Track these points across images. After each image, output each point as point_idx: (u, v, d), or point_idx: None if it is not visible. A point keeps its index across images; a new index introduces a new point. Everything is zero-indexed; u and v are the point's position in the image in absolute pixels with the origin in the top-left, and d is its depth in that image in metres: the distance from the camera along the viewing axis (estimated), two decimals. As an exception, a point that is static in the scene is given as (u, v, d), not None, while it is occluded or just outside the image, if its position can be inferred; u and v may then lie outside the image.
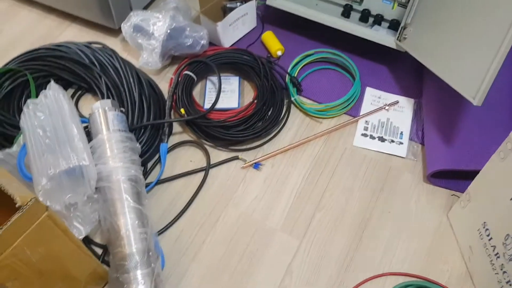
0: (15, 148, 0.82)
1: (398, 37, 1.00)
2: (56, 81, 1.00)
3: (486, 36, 0.77)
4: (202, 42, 1.01)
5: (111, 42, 1.11)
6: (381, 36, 1.03)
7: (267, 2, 1.09)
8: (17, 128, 0.89)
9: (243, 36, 1.13)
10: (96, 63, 0.97)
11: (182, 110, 0.93)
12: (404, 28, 0.99)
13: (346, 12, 1.14)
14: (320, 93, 1.02)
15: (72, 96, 1.02)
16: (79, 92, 1.02)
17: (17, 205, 0.46)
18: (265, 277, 0.77)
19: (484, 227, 0.72)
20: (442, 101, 0.92)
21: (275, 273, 0.78)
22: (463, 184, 0.87)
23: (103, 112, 0.82)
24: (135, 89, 0.94)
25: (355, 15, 1.15)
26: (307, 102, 1.00)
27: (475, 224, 0.74)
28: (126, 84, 0.95)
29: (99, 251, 0.79)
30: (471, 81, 0.79)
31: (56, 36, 1.15)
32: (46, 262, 0.54)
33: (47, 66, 0.99)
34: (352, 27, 1.04)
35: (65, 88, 1.02)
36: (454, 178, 0.88)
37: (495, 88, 0.88)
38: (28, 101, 0.80)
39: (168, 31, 0.98)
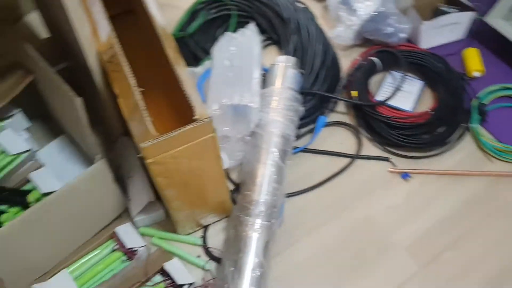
0: (199, 69, 0.90)
1: None
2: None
3: None
4: (401, 35, 0.97)
5: (315, 5, 1.12)
6: None
7: (487, 19, 0.99)
8: (207, 52, 0.96)
9: (445, 43, 1.05)
10: (293, 20, 0.99)
11: (355, 93, 0.91)
12: None
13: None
14: (506, 131, 0.91)
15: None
16: (268, 42, 1.07)
17: (194, 117, 0.50)
18: (368, 285, 0.74)
19: None
20: None
21: (380, 287, 0.74)
22: None
23: (284, 67, 0.85)
24: (319, 57, 0.95)
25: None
26: (485, 135, 0.90)
27: None
28: (312, 49, 0.96)
29: (231, 187, 0.84)
30: None
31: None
32: (193, 176, 0.59)
33: (251, 8, 1.04)
34: None
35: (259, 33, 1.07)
36: None
37: None
38: (227, 33, 0.87)
39: (374, 13, 0.96)
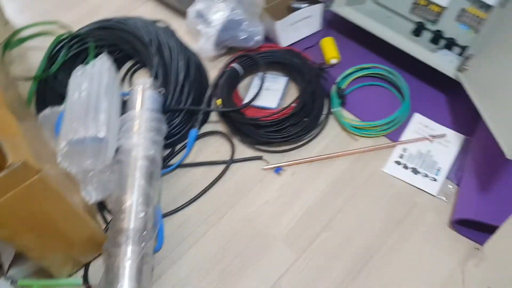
0: (62, 107, 0.90)
1: (459, 67, 0.92)
2: (118, 53, 1.07)
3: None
4: (256, 38, 1.02)
5: (179, 23, 1.15)
6: (443, 62, 0.95)
7: (332, 8, 1.06)
8: (71, 89, 0.96)
9: (304, 37, 1.11)
10: (154, 41, 1.02)
11: (219, 101, 0.95)
12: (468, 58, 0.91)
13: (418, 30, 1.07)
14: (365, 109, 0.98)
15: (130, 69, 1.08)
16: (137, 66, 1.09)
17: (7, 164, 0.51)
18: (252, 284, 0.78)
19: (488, 294, 0.65)
20: (491, 147, 0.83)
21: (263, 282, 0.78)
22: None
23: (141, 90, 0.87)
24: (182, 72, 0.98)
25: (426, 35, 1.08)
26: (348, 117, 0.97)
27: (481, 287, 0.68)
28: (175, 66, 0.98)
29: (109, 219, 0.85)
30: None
31: (134, 8, 1.23)
32: (36, 219, 0.60)
33: (112, 37, 1.06)
34: (415, 48, 0.98)
35: (125, 60, 1.09)
36: (483, 231, 0.81)
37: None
38: (79, 66, 0.88)
39: (224, 21, 1.00)
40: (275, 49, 1.04)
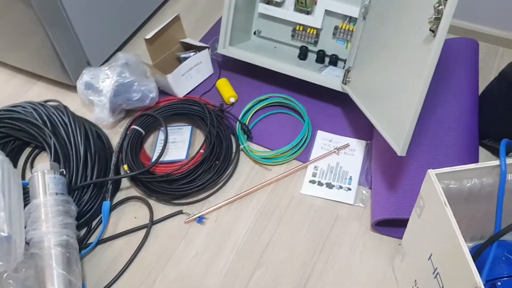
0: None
1: (343, 80, 0.98)
2: (14, 143, 1.03)
3: (405, 83, 0.74)
4: (151, 95, 1.03)
5: (72, 98, 1.14)
6: (330, 79, 1.01)
7: (218, 51, 1.10)
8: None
9: (200, 83, 1.13)
10: (48, 122, 0.99)
11: (125, 167, 0.93)
12: (348, 71, 0.97)
13: (303, 54, 1.14)
14: (271, 138, 1.01)
15: (30, 155, 1.04)
16: (36, 151, 1.05)
17: None
18: None
19: (416, 285, 0.68)
20: (387, 148, 0.89)
21: (209, 335, 0.76)
22: (410, 232, 0.83)
23: (41, 176, 0.84)
24: (81, 146, 0.95)
25: (312, 56, 1.14)
26: (257, 150, 0.99)
27: (410, 280, 0.71)
28: (73, 141, 0.96)
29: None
30: (397, 130, 0.76)
31: (23, 94, 1.19)
32: None
33: (4, 128, 1.01)
34: (303, 72, 1.03)
35: (23, 148, 1.05)
36: (402, 226, 0.85)
37: (441, 132, 0.85)
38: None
39: (114, 87, 1.00)
40: (173, 101, 1.05)
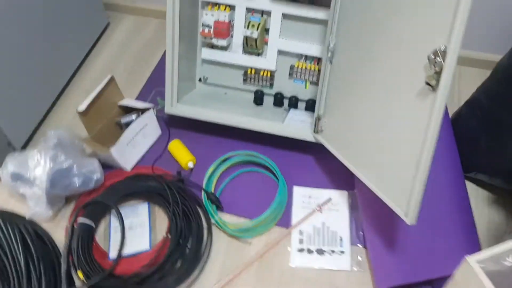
0: None
1: (314, 129, 0.89)
2: None
3: (401, 138, 0.66)
4: (95, 177, 0.86)
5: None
6: (297, 130, 0.92)
7: (166, 111, 0.96)
8: None
9: (149, 148, 0.99)
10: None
11: (80, 274, 0.77)
12: (319, 119, 0.88)
13: (258, 98, 1.03)
14: (244, 204, 0.89)
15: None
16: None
17: None
18: None
19: None
20: (376, 199, 0.81)
21: None
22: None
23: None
24: (20, 256, 0.77)
25: (269, 100, 1.04)
26: (231, 221, 0.87)
27: None
28: (9, 251, 0.78)
29: None
30: (397, 190, 0.68)
31: None
32: None
33: None
34: (264, 124, 0.92)
35: None
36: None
37: (446, 182, 0.79)
38: None
39: (50, 176, 0.82)
40: (122, 180, 0.89)
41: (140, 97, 1.09)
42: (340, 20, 0.78)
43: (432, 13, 0.58)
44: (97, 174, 0.87)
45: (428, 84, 0.58)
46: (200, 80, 1.07)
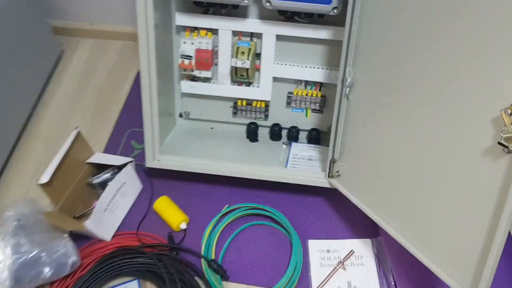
0: None
1: (328, 173, 0.75)
2: None
3: (460, 195, 0.53)
4: (70, 261, 0.70)
5: None
6: (304, 173, 0.78)
7: (147, 165, 0.80)
8: None
9: (130, 208, 0.82)
10: None
11: None
12: (333, 162, 0.74)
13: (252, 134, 0.88)
14: (253, 269, 0.75)
15: None
16: None
17: None
18: None
19: None
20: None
21: None
22: None
23: None
24: None
25: (264, 134, 0.89)
26: (240, 292, 0.73)
27: None
28: None
29: None
30: (453, 259, 0.56)
31: None
32: None
33: None
34: (263, 171, 0.79)
35: None
36: None
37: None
38: None
39: (13, 270, 0.66)
40: (103, 258, 0.73)
41: (112, 141, 0.92)
42: (359, 47, 0.64)
43: None
44: (73, 257, 0.70)
45: (503, 145, 0.45)
46: (181, 115, 0.91)
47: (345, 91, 0.66)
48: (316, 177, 0.77)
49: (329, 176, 0.75)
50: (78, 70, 1.04)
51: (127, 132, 0.93)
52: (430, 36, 0.52)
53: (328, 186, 0.76)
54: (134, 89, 1.01)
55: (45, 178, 0.69)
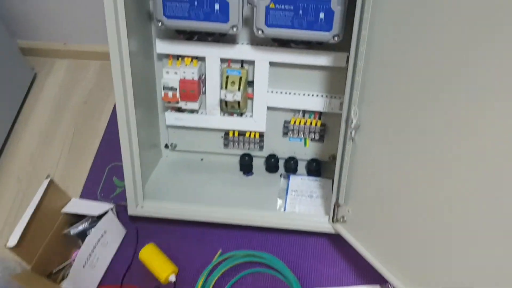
0: None
1: (332, 218, 0.68)
2: None
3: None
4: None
5: None
6: (306, 219, 0.70)
7: (130, 213, 0.71)
8: None
9: (113, 257, 0.74)
10: None
11: None
12: (338, 206, 0.66)
13: (246, 166, 0.80)
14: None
15: None
16: None
17: None
18: None
19: None
20: None
21: None
22: None
23: None
24: None
25: (259, 164, 0.81)
26: None
27: None
28: None
29: None
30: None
31: None
32: None
33: None
34: (259, 216, 0.71)
35: None
36: None
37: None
38: None
39: None
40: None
41: (91, 178, 0.83)
42: (365, 85, 0.55)
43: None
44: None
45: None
46: (167, 146, 0.83)
47: (351, 133, 0.58)
48: (318, 222, 0.69)
49: (333, 221, 0.68)
50: (53, 95, 0.95)
51: (108, 166, 0.84)
52: (446, 74, 0.44)
53: (332, 232, 0.68)
54: (115, 116, 0.91)
55: (12, 241, 0.61)
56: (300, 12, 0.60)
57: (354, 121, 0.57)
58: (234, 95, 0.69)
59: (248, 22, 0.67)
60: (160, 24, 0.64)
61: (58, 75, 0.98)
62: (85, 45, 0.98)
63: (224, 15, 0.62)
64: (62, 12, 0.93)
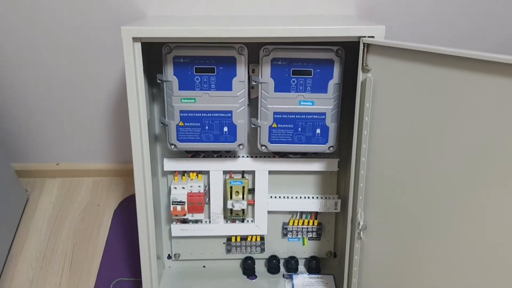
0: None
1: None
2: None
3: None
4: None
5: None
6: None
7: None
8: None
9: None
10: None
11: None
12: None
13: (249, 269, 0.83)
14: None
15: None
16: None
17: None
18: None
19: None
20: None
21: None
22: None
23: None
24: None
25: (261, 267, 0.85)
26: None
27: None
28: None
29: None
30: None
31: None
32: None
33: None
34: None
35: None
36: None
37: None
38: None
39: None
40: None
41: (95, 296, 0.83)
42: (369, 190, 0.63)
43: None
44: None
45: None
46: (169, 257, 0.85)
47: (358, 234, 0.65)
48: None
49: (345, 317, 0.71)
50: (48, 216, 0.95)
51: (113, 283, 0.84)
52: (450, 187, 0.52)
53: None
54: (113, 230, 0.93)
55: None
56: (299, 129, 0.69)
57: (361, 223, 0.64)
58: (242, 204, 0.75)
59: (249, 138, 0.74)
60: (173, 147, 0.70)
61: (50, 194, 0.99)
62: (77, 164, 1.01)
63: (232, 135, 0.69)
64: (55, 134, 0.97)
